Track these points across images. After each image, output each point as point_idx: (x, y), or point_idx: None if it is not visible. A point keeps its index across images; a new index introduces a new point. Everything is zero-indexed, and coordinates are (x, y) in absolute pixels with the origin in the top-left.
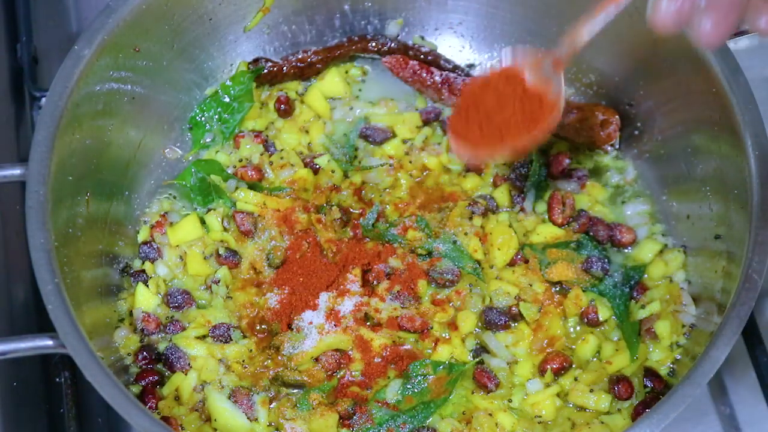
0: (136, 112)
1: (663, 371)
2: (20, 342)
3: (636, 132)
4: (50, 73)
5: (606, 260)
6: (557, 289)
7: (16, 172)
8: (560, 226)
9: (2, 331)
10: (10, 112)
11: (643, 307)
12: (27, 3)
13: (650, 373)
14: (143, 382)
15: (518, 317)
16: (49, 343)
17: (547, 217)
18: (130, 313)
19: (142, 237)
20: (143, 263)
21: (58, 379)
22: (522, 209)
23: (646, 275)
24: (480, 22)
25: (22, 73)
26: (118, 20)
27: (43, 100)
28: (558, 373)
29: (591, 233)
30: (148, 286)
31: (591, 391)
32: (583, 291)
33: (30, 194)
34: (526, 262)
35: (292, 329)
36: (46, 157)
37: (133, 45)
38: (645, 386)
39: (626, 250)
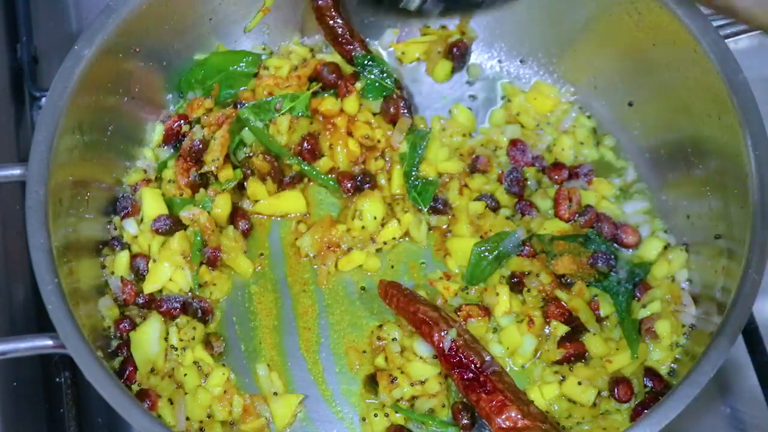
0: (136, 112)
1: (663, 371)
2: (20, 342)
3: (636, 132)
4: (50, 73)
5: (612, 256)
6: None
7: (16, 172)
8: (567, 221)
9: (2, 331)
10: (10, 112)
11: (644, 306)
12: (27, 3)
13: (650, 372)
14: (123, 353)
15: None
16: (49, 343)
17: (552, 213)
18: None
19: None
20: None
21: (58, 379)
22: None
23: (649, 274)
24: (480, 22)
25: (22, 73)
26: (118, 20)
27: (43, 100)
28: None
29: (596, 229)
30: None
31: (590, 387)
32: (587, 286)
33: (30, 194)
34: (534, 256)
35: None
36: (46, 157)
37: (133, 45)
38: (645, 386)
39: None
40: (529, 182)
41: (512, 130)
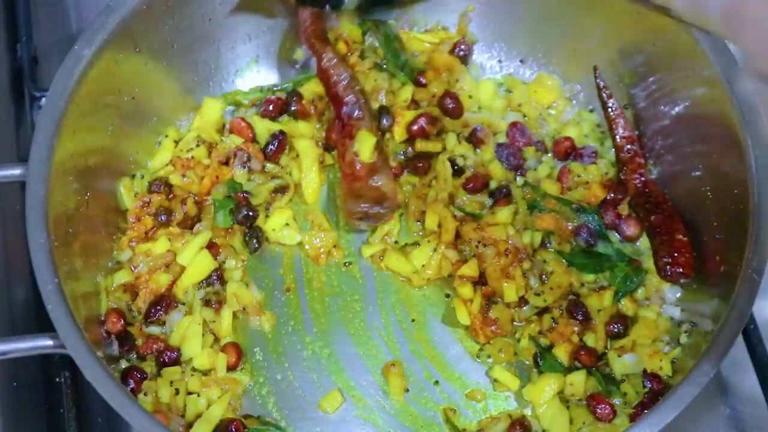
0: (136, 112)
1: (662, 372)
2: (20, 342)
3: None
4: (50, 73)
5: (596, 236)
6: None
7: (16, 172)
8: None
9: (2, 331)
10: (10, 112)
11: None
12: (27, 3)
13: (649, 373)
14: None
15: None
16: (49, 343)
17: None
18: None
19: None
20: None
21: (58, 379)
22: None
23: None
24: (480, 22)
25: (22, 73)
26: (118, 20)
27: (43, 100)
28: None
29: (601, 211)
30: None
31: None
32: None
33: (30, 194)
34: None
35: None
36: (46, 157)
37: (133, 45)
38: (644, 386)
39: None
40: (528, 161)
41: (513, 117)
